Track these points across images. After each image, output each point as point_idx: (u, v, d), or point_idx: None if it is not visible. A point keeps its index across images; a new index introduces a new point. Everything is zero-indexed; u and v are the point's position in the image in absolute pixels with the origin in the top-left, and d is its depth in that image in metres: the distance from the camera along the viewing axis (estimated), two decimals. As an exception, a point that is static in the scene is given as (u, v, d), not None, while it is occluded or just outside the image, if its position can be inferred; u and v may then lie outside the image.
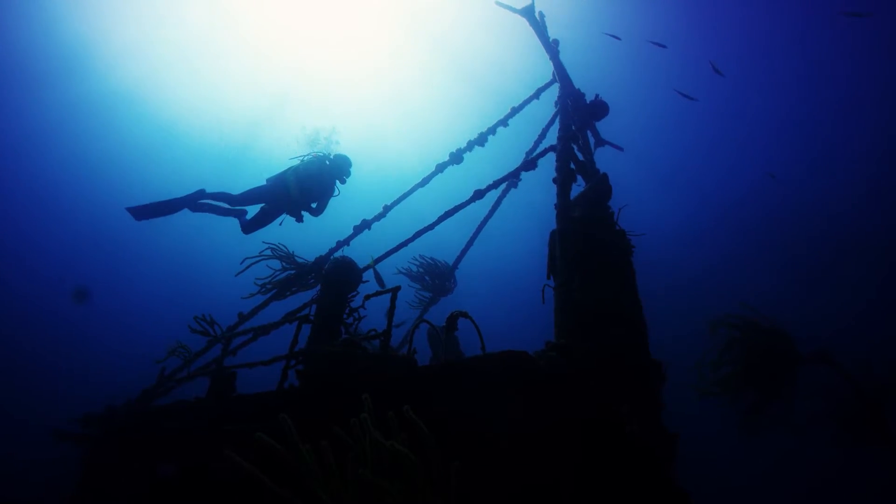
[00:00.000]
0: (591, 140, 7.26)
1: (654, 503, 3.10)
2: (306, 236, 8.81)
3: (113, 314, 37.81)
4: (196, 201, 7.75)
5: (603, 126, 7.49)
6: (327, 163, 8.01)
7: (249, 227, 7.94)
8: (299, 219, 8.04)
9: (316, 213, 8.07)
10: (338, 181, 8.05)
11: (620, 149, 7.73)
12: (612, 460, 3.14)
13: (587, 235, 4.51)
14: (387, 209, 7.77)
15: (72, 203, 38.13)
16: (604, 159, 6.64)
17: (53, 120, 35.79)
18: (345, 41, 36.32)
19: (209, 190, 7.87)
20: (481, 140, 7.84)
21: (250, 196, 7.92)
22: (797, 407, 7.49)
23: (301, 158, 8.08)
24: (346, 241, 7.68)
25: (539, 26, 7.39)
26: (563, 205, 4.89)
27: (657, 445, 3.92)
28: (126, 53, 34.12)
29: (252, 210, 8.06)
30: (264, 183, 8.00)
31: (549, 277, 4.63)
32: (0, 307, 33.77)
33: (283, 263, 7.40)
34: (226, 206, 7.88)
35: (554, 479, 3.00)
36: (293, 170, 7.89)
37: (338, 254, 7.23)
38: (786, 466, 26.24)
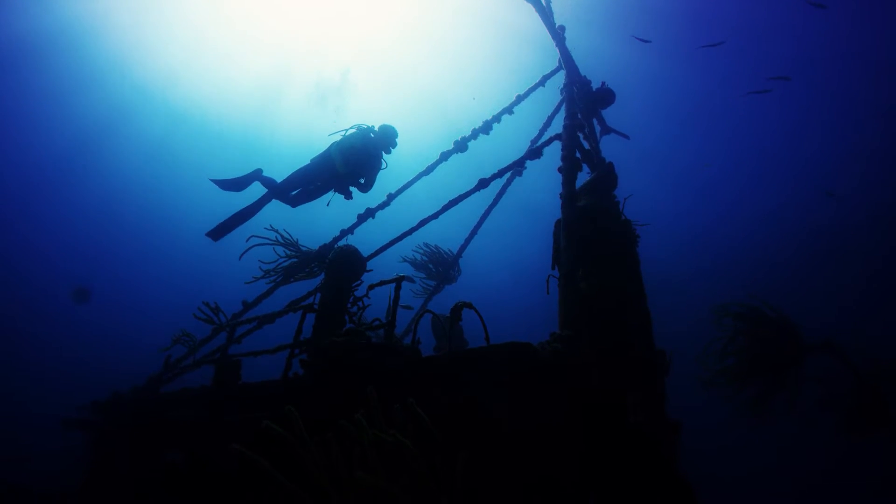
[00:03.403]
0: (597, 128, 7.17)
1: (658, 493, 3.11)
2: (310, 225, 8.77)
3: (117, 303, 38.09)
4: (260, 180, 7.80)
5: (609, 114, 7.39)
6: (371, 135, 7.68)
7: (298, 199, 7.72)
8: (348, 195, 7.77)
9: (365, 188, 7.77)
10: (384, 153, 7.73)
11: (626, 137, 7.61)
12: (616, 450, 3.14)
13: (592, 225, 4.46)
14: (391, 198, 7.71)
15: (78, 195, 38.27)
16: (609, 148, 6.58)
17: (56, 117, 35.74)
18: (347, 24, 35.99)
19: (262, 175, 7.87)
20: (486, 128, 7.76)
21: (296, 179, 7.66)
22: (800, 395, 7.46)
23: (343, 133, 7.76)
24: (350, 230, 7.61)
25: (545, 12, 7.26)
26: (569, 194, 4.83)
27: (661, 435, 3.93)
28: (126, 48, 33.89)
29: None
30: (308, 163, 7.75)
31: (553, 267, 4.60)
32: (7, 298, 34.05)
33: (287, 251, 7.34)
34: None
35: (557, 469, 3.01)
36: (337, 144, 7.58)
37: (342, 243, 7.21)
38: (788, 454, 26.36)
